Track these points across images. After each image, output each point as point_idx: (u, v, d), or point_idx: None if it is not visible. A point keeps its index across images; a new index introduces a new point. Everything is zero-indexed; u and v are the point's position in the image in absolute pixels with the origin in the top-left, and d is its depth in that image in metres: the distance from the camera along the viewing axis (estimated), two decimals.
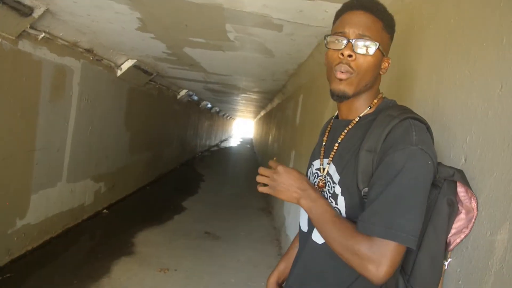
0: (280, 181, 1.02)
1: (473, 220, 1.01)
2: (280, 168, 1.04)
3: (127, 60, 5.16)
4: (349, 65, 0.99)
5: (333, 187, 1.05)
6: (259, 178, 1.07)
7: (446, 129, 1.26)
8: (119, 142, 5.78)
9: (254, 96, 9.25)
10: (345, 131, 1.08)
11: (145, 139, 7.09)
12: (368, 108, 1.07)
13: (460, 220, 1.03)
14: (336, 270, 1.03)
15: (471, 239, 1.04)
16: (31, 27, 3.13)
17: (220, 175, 10.62)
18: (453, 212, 1.01)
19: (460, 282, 1.07)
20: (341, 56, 1.00)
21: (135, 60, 5.18)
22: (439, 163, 1.03)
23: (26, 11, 2.88)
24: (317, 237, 1.08)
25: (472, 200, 1.00)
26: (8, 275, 3.17)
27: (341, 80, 1.01)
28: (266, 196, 7.39)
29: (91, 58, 4.34)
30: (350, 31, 1.00)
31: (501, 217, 0.94)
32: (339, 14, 1.07)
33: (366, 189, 0.95)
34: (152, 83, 6.69)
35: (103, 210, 5.36)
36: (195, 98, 10.59)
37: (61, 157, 4.05)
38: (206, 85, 7.51)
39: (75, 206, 4.53)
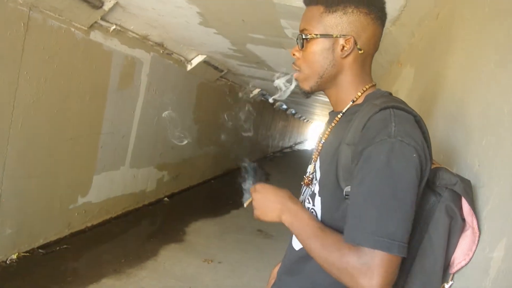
0: (260, 201, 0.97)
1: (476, 242, 0.87)
2: (257, 187, 0.99)
3: (197, 55, 5.34)
4: (295, 63, 1.03)
5: (315, 184, 0.98)
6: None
7: (468, 131, 1.10)
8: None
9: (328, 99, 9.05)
10: (333, 124, 1.00)
11: (214, 134, 7.27)
12: (351, 102, 0.98)
13: (465, 240, 0.89)
14: (310, 275, 0.96)
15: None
16: (103, 19, 3.36)
17: (287, 176, 10.54)
18: (455, 225, 0.87)
19: None
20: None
21: (205, 56, 5.34)
22: (444, 169, 0.90)
23: (97, 4, 3.11)
24: (295, 243, 1.03)
25: (473, 218, 0.85)
26: (66, 246, 3.45)
27: (296, 79, 1.04)
28: None
29: (161, 52, 4.56)
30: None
31: (500, 232, 0.80)
32: None
33: (348, 188, 0.85)
34: (224, 79, 6.86)
35: (164, 198, 5.62)
36: (269, 98, 10.67)
37: (125, 143, 4.31)
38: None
39: (136, 191, 4.80)
